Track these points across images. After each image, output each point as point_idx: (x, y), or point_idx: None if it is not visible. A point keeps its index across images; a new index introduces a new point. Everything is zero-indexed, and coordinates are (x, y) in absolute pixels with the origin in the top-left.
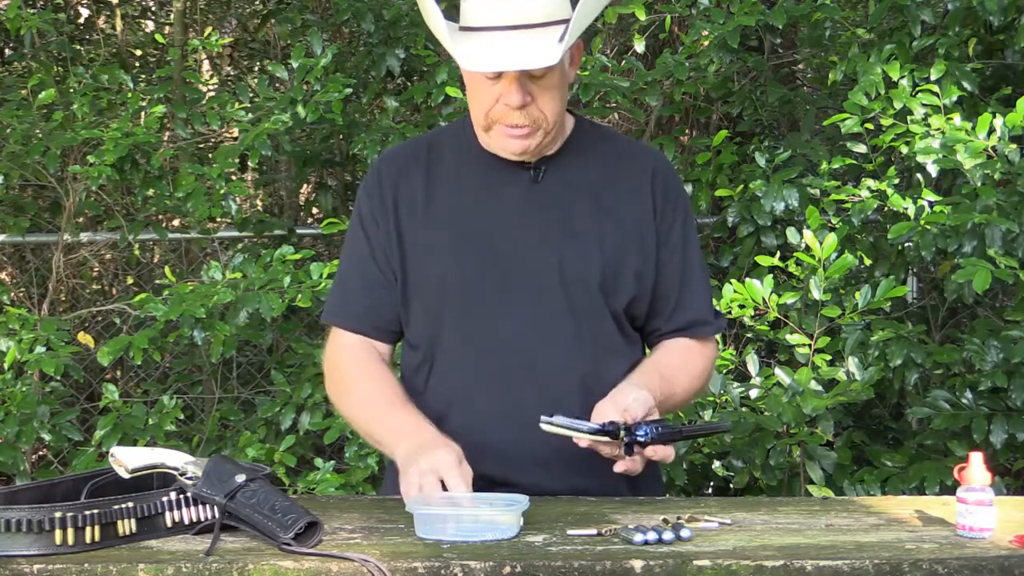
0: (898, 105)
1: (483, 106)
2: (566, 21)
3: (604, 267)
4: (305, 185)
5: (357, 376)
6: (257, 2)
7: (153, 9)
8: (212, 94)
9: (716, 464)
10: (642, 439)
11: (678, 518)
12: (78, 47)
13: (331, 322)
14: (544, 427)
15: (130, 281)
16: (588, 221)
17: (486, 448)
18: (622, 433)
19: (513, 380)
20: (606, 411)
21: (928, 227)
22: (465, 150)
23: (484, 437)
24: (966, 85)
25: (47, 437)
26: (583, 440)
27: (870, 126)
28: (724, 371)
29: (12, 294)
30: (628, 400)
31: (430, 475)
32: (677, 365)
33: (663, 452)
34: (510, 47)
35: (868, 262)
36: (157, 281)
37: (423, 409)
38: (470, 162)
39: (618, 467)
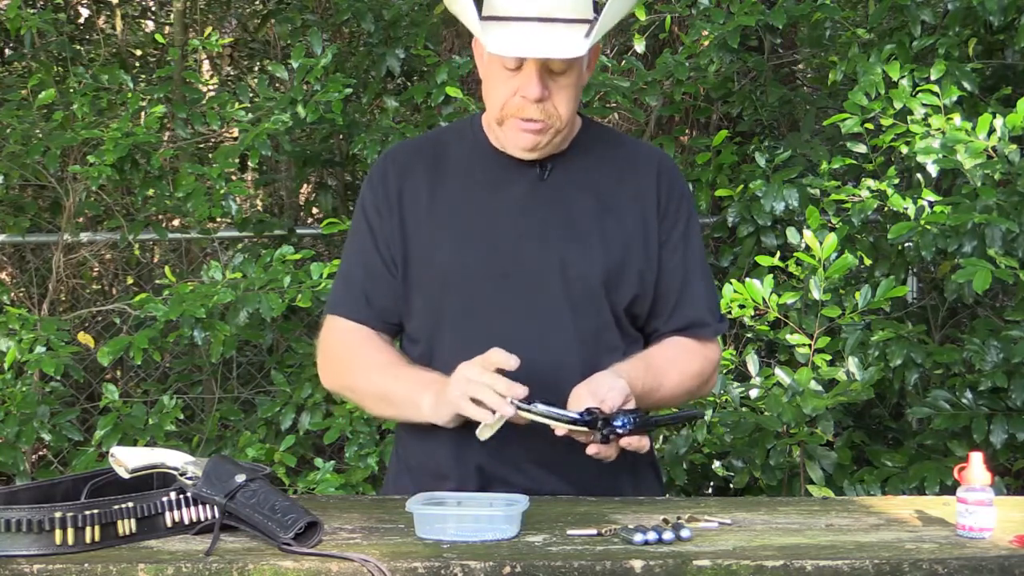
0: (898, 105)
1: (500, 98)
2: (588, 22)
3: (606, 265)
4: (305, 185)
5: (359, 350)
6: (257, 2)
7: (153, 9)
8: (212, 94)
9: (716, 464)
10: (619, 430)
11: (678, 518)
12: (78, 47)
13: (335, 315)
14: (522, 413)
15: (130, 281)
16: (592, 220)
17: (485, 446)
18: (600, 423)
19: (513, 377)
20: (582, 397)
21: (928, 227)
22: (471, 147)
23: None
24: (966, 85)
25: (47, 437)
26: (560, 429)
27: (870, 126)
28: (724, 371)
29: (12, 294)
30: (604, 389)
31: (481, 388)
32: (668, 359)
33: (638, 442)
34: (537, 37)
35: (868, 262)
36: (157, 281)
37: None
38: (476, 159)
39: (590, 450)
